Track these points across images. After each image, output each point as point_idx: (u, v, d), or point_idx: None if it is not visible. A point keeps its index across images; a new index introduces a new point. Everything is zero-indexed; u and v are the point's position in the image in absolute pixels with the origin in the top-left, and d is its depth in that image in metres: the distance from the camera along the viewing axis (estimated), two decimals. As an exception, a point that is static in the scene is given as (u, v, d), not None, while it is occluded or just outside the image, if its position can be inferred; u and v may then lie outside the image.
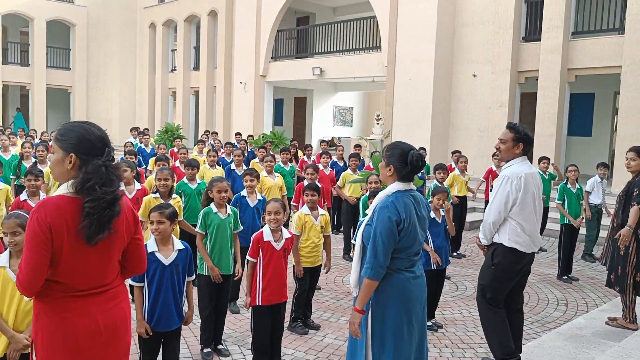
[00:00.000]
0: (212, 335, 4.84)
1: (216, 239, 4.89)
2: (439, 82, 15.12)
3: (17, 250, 3.07)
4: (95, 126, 2.41)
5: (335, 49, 18.48)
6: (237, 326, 5.58)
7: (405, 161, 3.15)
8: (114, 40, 25.90)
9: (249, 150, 14.11)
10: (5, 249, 3.21)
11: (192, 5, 23.19)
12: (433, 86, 14.98)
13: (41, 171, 5.87)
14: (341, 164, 10.92)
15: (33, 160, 8.93)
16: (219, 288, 4.88)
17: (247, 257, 4.50)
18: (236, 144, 14.38)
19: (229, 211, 5.06)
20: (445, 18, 15.06)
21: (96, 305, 2.33)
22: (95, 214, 2.21)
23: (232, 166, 9.05)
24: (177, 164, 9.64)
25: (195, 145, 14.24)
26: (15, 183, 8.83)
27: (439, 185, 7.77)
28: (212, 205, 4.98)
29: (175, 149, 12.83)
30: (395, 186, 3.19)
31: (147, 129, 17.65)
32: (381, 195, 3.23)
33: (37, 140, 13.34)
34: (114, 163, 2.35)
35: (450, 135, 15.58)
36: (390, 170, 3.22)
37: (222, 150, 12.34)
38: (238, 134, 16.33)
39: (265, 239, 4.45)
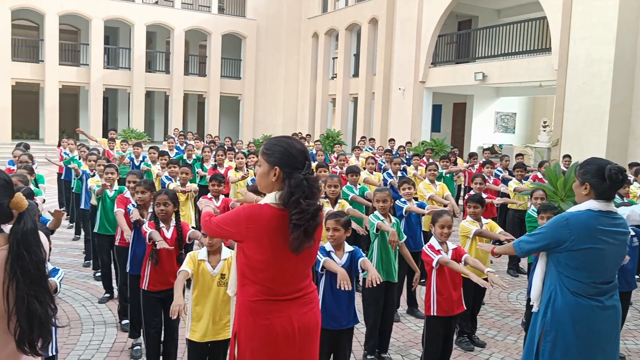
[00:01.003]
0: (376, 343, 4.89)
1: (382, 245, 4.98)
2: (619, 86, 13.78)
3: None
4: (296, 141, 2.57)
5: (498, 53, 17.72)
6: (400, 335, 5.57)
7: (603, 176, 2.92)
8: (280, 50, 27.48)
9: (407, 157, 14.07)
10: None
11: (354, 14, 23.75)
12: (611, 90, 13.69)
13: (223, 177, 6.35)
14: (505, 174, 10.43)
15: (212, 163, 9.75)
16: (384, 297, 4.92)
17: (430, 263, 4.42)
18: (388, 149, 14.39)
19: (393, 220, 5.14)
20: (628, 15, 13.69)
21: (293, 310, 2.49)
22: (302, 226, 2.36)
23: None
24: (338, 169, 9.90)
25: (352, 151, 14.55)
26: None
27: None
28: (376, 212, 5.09)
29: (335, 155, 13.22)
30: (588, 204, 2.96)
31: (308, 135, 18.38)
32: (571, 209, 3.05)
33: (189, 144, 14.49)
34: (313, 176, 2.48)
35: (630, 145, 14.13)
36: (586, 189, 3.00)
37: (379, 156, 12.45)
38: (392, 140, 16.34)
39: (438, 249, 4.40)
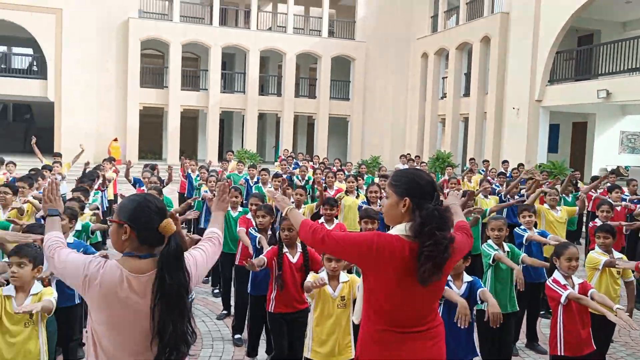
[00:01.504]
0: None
1: (497, 276, 4.82)
2: None
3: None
4: (424, 172, 2.59)
5: (624, 68, 16.55)
6: None
7: None
8: (388, 71, 27.56)
9: (522, 180, 13.45)
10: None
11: (465, 33, 23.31)
12: None
13: (337, 201, 6.40)
14: (634, 199, 9.63)
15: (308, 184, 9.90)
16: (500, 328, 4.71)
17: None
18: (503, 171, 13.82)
19: (506, 247, 4.99)
20: None
21: (418, 343, 2.46)
22: (434, 258, 2.33)
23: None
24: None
25: (462, 173, 14.15)
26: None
27: None
28: (490, 242, 4.93)
29: (446, 177, 12.93)
30: None
31: (417, 156, 18.16)
32: None
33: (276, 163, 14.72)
34: (443, 207, 2.45)
35: None
36: None
37: (492, 179, 12.00)
38: (505, 161, 15.72)
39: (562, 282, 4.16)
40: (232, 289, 6.54)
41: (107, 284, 2.17)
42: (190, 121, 27.41)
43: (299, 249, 4.49)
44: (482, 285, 4.00)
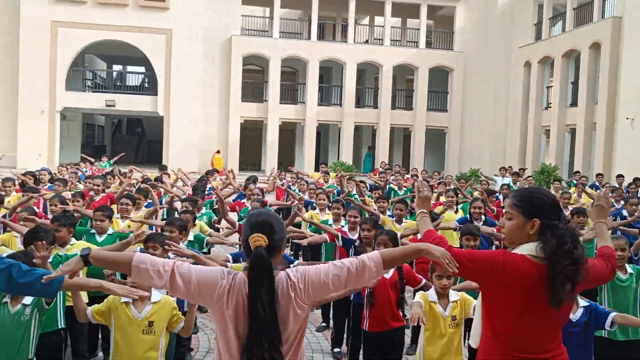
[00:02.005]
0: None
1: (614, 300, 4.50)
2: None
3: None
4: (545, 190, 2.48)
5: None
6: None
7: None
8: (488, 81, 26.74)
9: None
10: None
11: (572, 39, 22.14)
12: None
13: (437, 215, 6.25)
14: None
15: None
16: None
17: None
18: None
19: (630, 270, 4.63)
20: None
21: None
22: (573, 278, 2.25)
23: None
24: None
25: (573, 187, 13.38)
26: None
27: None
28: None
29: (553, 192, 12.27)
30: None
31: (522, 169, 17.43)
32: None
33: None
34: (568, 225, 2.34)
35: None
36: None
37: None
38: (620, 176, 14.69)
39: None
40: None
41: (237, 293, 2.24)
42: (288, 133, 28.05)
43: (395, 264, 4.44)
44: (606, 309, 3.71)
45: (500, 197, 10.52)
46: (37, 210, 6.30)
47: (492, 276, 2.32)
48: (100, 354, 5.53)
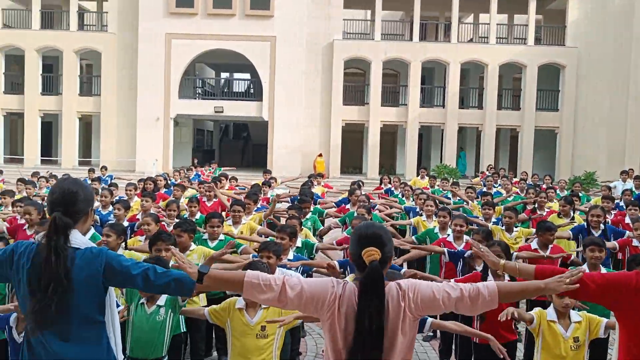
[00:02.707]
0: None
1: None
2: None
3: None
4: None
5: None
6: None
7: None
8: (605, 77, 24.91)
9: None
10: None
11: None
12: None
13: (554, 225, 5.90)
14: None
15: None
16: None
17: None
18: None
19: None
20: None
21: None
22: None
23: None
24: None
25: None
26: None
27: None
28: None
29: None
30: None
31: (631, 169, 16.14)
32: None
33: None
34: None
35: None
36: None
37: None
38: None
39: None
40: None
41: (347, 303, 2.27)
42: (390, 136, 27.87)
43: (507, 277, 4.25)
44: None
45: (622, 204, 9.68)
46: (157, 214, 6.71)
47: (625, 299, 2.15)
48: (215, 353, 5.78)
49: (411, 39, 25.95)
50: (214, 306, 3.88)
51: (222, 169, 16.94)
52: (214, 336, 5.75)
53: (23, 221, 6.05)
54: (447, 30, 27.38)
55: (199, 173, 15.95)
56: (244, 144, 33.59)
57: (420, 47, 25.46)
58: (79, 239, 2.54)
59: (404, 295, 2.24)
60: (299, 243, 5.81)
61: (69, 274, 2.44)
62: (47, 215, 2.62)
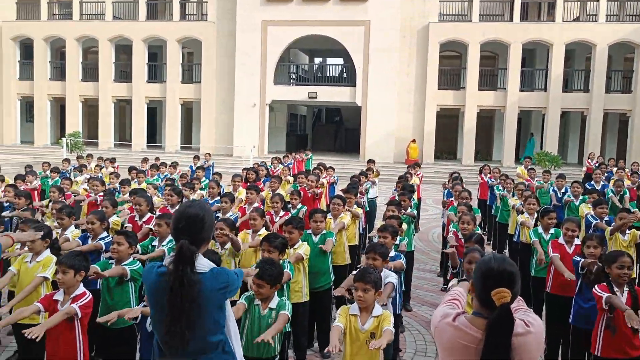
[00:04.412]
0: None
1: None
2: None
3: None
4: None
5: None
6: None
7: None
8: None
9: None
10: None
11: None
12: None
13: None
14: None
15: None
16: None
17: None
18: None
19: None
20: None
21: None
22: None
23: None
24: None
25: None
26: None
27: None
28: None
29: None
30: None
31: None
32: None
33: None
34: None
35: None
36: None
37: None
38: None
39: None
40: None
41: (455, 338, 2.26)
42: (486, 121, 26.95)
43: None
44: None
45: None
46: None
47: None
48: (316, 344, 5.94)
49: (511, 19, 24.79)
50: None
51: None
52: (315, 329, 5.92)
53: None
54: (550, 9, 25.90)
55: (294, 160, 16.28)
56: (337, 129, 33.78)
57: (521, 27, 24.27)
58: (203, 264, 2.66)
59: (527, 334, 2.19)
60: (397, 240, 5.76)
61: (195, 300, 2.56)
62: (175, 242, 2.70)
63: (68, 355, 3.79)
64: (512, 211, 8.66)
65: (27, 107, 30.02)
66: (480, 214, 7.99)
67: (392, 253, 5.23)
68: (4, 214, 6.72)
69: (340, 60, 29.37)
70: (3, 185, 8.67)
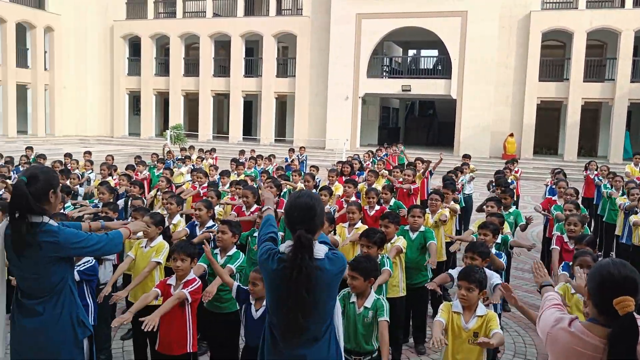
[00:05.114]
0: None
1: None
2: None
3: None
4: None
5: None
6: None
7: None
8: None
9: None
10: None
11: None
12: None
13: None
14: None
15: None
16: None
17: None
18: None
19: None
20: None
21: None
22: None
23: None
24: None
25: None
26: None
27: None
28: None
29: None
30: None
31: None
32: None
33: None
34: None
35: None
36: None
37: None
38: None
39: None
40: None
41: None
42: (591, 114, 25.39)
43: None
44: None
45: None
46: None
47: None
48: (411, 339, 5.91)
49: (622, 5, 23.15)
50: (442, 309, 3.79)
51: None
52: (411, 323, 5.89)
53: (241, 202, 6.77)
54: (668, -7, 23.91)
55: (387, 153, 16.18)
56: (430, 122, 33.22)
57: (633, 14, 22.60)
58: (320, 250, 2.72)
59: None
60: (498, 239, 5.59)
61: (314, 287, 2.62)
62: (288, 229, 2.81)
63: (178, 338, 4.02)
64: (620, 211, 8.15)
65: (134, 101, 31.99)
66: (587, 213, 7.57)
67: (492, 250, 5.09)
68: (119, 202, 7.23)
69: (434, 52, 28.79)
70: (117, 175, 9.30)
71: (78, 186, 8.80)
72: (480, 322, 3.61)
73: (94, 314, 4.41)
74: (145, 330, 3.55)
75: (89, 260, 4.30)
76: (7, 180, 7.86)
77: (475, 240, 5.17)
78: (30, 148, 13.72)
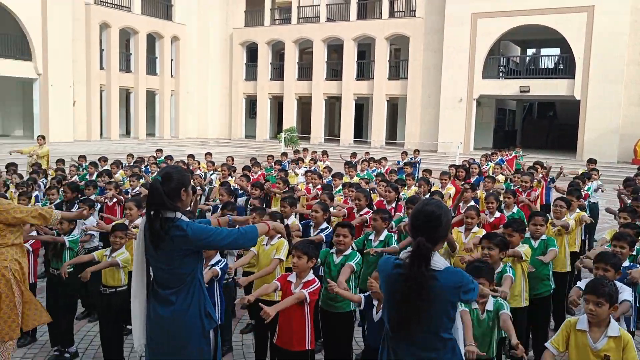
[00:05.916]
0: None
1: None
2: None
3: None
4: None
5: None
6: None
7: None
8: None
9: None
10: None
11: None
12: None
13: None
14: None
15: None
16: None
17: None
18: None
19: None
20: None
21: None
22: None
23: None
24: None
25: None
26: None
27: None
28: None
29: None
30: None
31: None
32: None
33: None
34: None
35: None
36: None
37: None
38: None
39: None
40: None
41: None
42: None
43: None
44: None
45: None
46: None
47: None
48: (531, 352, 5.64)
49: None
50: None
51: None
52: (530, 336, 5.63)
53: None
54: None
55: (503, 158, 15.55)
56: (549, 124, 31.48)
57: None
58: (439, 262, 2.70)
59: None
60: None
61: (427, 296, 2.61)
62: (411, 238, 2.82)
63: (298, 334, 4.14)
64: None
65: (251, 105, 33.38)
66: None
67: (625, 263, 4.73)
68: (239, 199, 7.59)
69: (556, 51, 27.24)
70: (236, 175, 9.75)
71: (198, 187, 9.32)
72: (612, 344, 3.28)
73: (221, 312, 4.63)
74: (262, 317, 3.68)
75: (222, 260, 4.57)
76: (146, 175, 8.47)
77: (608, 250, 4.83)
78: (160, 150, 14.74)
